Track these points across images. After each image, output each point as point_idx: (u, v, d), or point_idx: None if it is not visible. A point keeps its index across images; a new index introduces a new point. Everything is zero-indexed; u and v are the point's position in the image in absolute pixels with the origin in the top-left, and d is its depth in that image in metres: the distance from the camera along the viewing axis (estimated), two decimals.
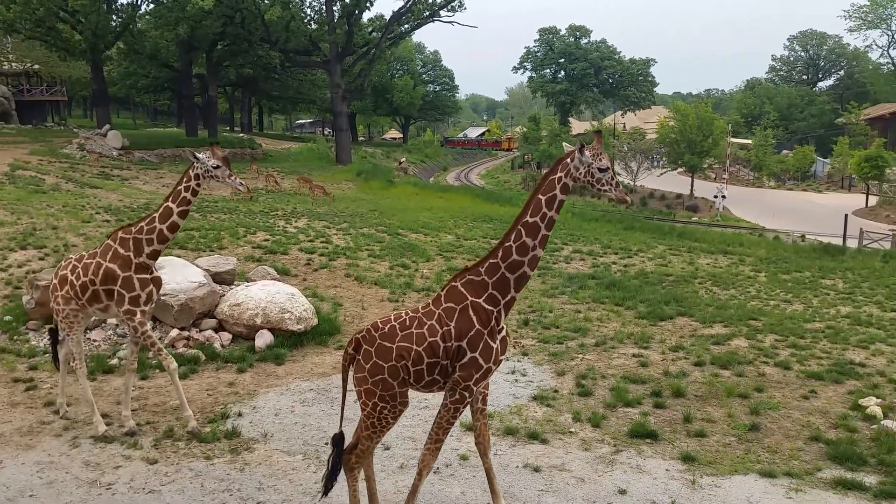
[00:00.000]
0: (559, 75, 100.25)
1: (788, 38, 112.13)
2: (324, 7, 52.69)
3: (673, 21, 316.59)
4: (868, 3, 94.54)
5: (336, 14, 51.90)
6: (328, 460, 5.86)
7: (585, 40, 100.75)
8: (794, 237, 32.60)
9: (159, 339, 10.54)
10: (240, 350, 10.30)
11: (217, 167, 7.40)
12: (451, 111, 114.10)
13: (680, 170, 60.63)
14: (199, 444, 7.40)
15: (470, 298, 5.58)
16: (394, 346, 5.51)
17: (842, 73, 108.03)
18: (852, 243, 30.17)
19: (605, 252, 20.41)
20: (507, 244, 5.60)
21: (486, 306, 5.57)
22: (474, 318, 5.53)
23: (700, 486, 6.75)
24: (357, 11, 51.54)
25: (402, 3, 53.20)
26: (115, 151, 39.98)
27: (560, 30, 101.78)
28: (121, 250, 7.56)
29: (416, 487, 5.79)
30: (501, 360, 5.80)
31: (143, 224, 7.64)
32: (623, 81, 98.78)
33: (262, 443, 7.50)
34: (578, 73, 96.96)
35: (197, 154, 7.44)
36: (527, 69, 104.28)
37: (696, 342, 11.48)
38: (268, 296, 10.84)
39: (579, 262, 18.59)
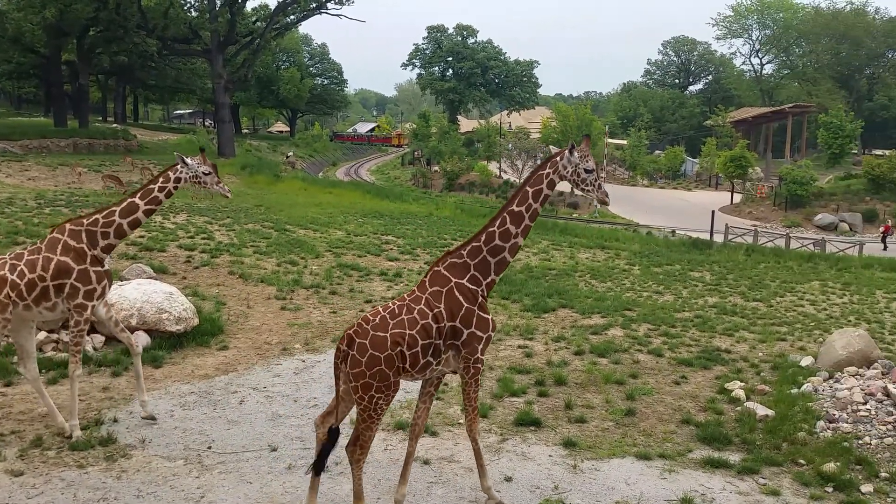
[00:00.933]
0: (447, 73, 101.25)
1: (662, 44, 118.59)
2: None
3: (556, 24, 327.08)
4: (732, 14, 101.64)
5: (218, 2, 50.05)
6: (321, 447, 5.99)
7: (472, 40, 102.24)
8: (666, 232, 34.59)
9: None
10: (114, 353, 9.74)
11: (208, 174, 7.68)
12: (340, 105, 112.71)
13: None
14: (71, 452, 6.95)
15: (454, 280, 5.96)
16: (388, 335, 5.64)
17: (710, 77, 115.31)
18: (719, 238, 32.36)
19: None
20: (490, 229, 6.02)
21: (470, 286, 5.98)
22: (461, 298, 5.91)
23: (581, 471, 7.04)
24: (240, 0, 49.92)
25: None
26: None
27: (448, 28, 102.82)
28: (72, 242, 7.24)
29: (477, 451, 6.28)
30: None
31: (98, 216, 7.41)
32: (508, 81, 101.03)
33: (139, 449, 7.15)
34: (466, 72, 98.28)
35: (186, 159, 7.57)
36: (416, 66, 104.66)
37: (576, 332, 11.97)
38: (143, 295, 10.32)
39: None
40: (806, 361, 10.38)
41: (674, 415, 8.60)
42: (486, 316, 6.02)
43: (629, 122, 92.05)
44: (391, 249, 19.06)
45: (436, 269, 6.05)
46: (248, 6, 54.65)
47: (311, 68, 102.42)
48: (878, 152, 73.79)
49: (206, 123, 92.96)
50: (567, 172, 5.98)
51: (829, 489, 6.76)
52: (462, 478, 6.83)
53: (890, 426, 7.72)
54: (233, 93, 58.47)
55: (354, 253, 18.02)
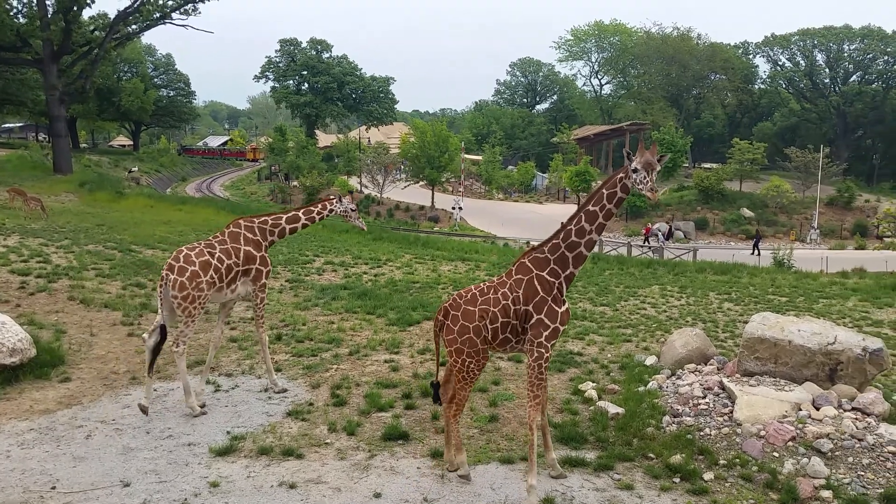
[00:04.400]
0: (303, 87, 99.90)
1: (510, 65, 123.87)
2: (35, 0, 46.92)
3: (407, 42, 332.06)
4: (572, 38, 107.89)
5: (50, 9, 46.45)
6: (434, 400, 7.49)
7: (327, 54, 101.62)
8: (521, 243, 35.95)
9: None
10: None
11: (354, 210, 9.77)
12: (188, 118, 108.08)
13: (422, 183, 63.70)
14: None
15: (535, 271, 6.77)
16: (476, 309, 6.74)
17: (555, 97, 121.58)
18: None
19: (356, 262, 20.75)
20: (568, 228, 6.77)
21: (549, 278, 6.75)
22: (538, 287, 6.71)
23: (449, 480, 7.14)
24: (76, 7, 46.62)
25: (128, 2, 49.25)
26: None
27: (301, 42, 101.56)
28: (250, 235, 9.10)
29: (532, 442, 6.71)
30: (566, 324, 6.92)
31: (267, 218, 9.37)
32: (365, 97, 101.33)
33: None
34: (322, 87, 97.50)
35: (343, 198, 9.71)
36: (269, 79, 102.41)
37: None
38: None
39: (331, 274, 18.67)
40: (650, 360, 11.13)
41: None
42: (556, 308, 6.70)
43: (483, 138, 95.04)
44: None
45: (522, 260, 6.89)
46: (86, 14, 50.96)
47: (156, 79, 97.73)
48: (707, 165, 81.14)
49: (40, 137, 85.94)
50: (631, 175, 6.50)
51: (677, 480, 7.28)
52: (330, 498, 6.73)
53: (726, 417, 8.45)
54: (69, 105, 54.43)
55: None
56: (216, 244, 8.76)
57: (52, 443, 7.69)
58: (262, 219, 9.31)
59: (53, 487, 6.72)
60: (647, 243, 43.51)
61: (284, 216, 9.41)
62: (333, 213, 9.52)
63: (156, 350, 8.28)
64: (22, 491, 6.62)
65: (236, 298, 9.18)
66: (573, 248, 6.75)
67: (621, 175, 6.62)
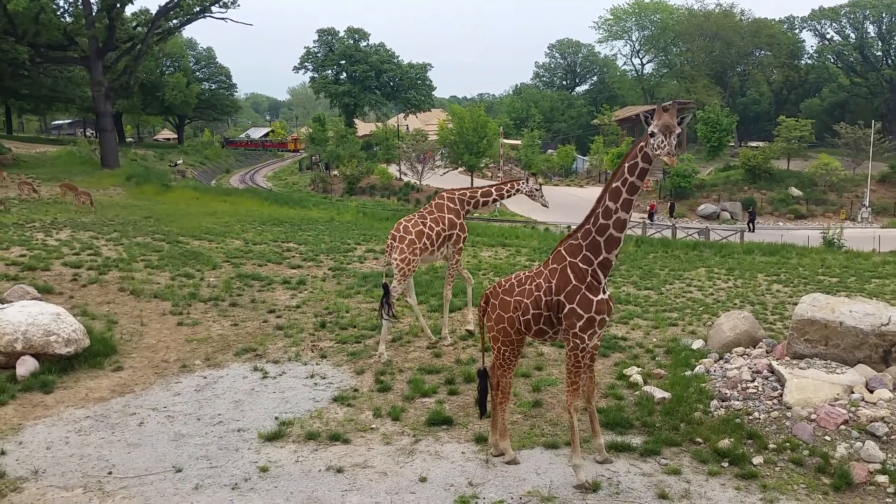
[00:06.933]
0: (341, 77, 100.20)
1: (549, 47, 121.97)
2: None
3: (446, 28, 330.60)
4: (611, 17, 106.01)
5: (94, 7, 47.44)
6: (478, 389, 7.49)
7: (364, 43, 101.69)
8: (562, 228, 35.64)
9: None
10: None
11: (537, 190, 11.02)
12: (231, 110, 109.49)
13: (460, 169, 63.56)
14: None
15: (568, 259, 6.58)
16: (511, 300, 6.80)
17: (595, 78, 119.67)
18: None
19: None
20: (596, 210, 6.51)
21: (582, 265, 6.51)
22: (571, 276, 6.52)
23: (493, 465, 7.17)
24: (119, 4, 47.52)
25: None
26: None
27: (339, 31, 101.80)
28: (451, 205, 10.76)
29: (571, 425, 6.75)
30: (607, 320, 6.70)
31: (466, 191, 11.06)
32: (403, 84, 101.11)
33: (32, 481, 6.71)
34: (360, 75, 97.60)
35: (529, 179, 11.02)
36: (308, 69, 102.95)
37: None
38: (28, 318, 9.69)
39: (373, 262, 18.81)
40: (697, 344, 10.97)
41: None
42: (591, 296, 6.44)
43: (522, 122, 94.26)
44: (293, 257, 18.72)
45: (559, 248, 6.73)
46: (128, 11, 51.94)
47: (198, 73, 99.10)
48: (753, 144, 79.04)
49: (88, 133, 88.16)
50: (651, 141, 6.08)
51: (725, 464, 7.18)
52: (376, 482, 6.81)
53: (775, 401, 8.29)
54: (115, 101, 55.66)
55: (254, 262, 17.57)
56: (426, 215, 10.54)
57: (108, 430, 7.94)
58: (462, 191, 10.97)
59: (110, 473, 6.95)
60: (651, 221, 43.62)
61: (480, 190, 10.98)
62: (520, 192, 10.88)
63: (386, 301, 10.12)
64: (81, 476, 6.86)
65: (442, 258, 11.04)
66: (603, 232, 6.39)
67: (641, 144, 6.19)
